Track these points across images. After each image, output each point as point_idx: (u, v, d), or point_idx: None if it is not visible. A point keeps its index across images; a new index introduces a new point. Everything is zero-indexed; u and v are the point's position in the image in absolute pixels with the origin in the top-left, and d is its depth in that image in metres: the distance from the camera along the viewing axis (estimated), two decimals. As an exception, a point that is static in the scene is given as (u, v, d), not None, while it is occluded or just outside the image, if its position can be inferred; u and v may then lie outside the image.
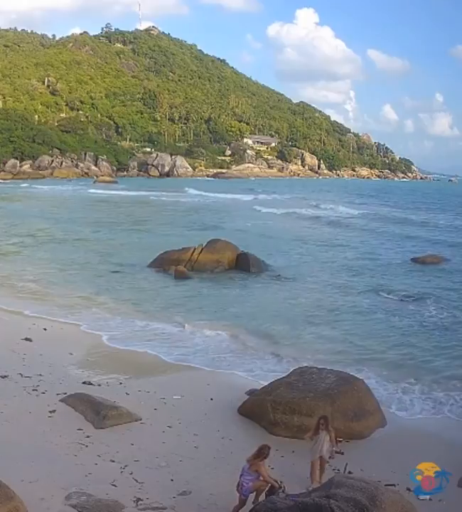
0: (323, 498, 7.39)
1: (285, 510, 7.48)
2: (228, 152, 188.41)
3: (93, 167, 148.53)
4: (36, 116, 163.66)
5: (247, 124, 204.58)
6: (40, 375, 14.93)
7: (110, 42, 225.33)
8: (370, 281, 29.76)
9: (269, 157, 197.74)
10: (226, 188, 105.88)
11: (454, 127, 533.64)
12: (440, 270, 33.15)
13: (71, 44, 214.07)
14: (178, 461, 10.91)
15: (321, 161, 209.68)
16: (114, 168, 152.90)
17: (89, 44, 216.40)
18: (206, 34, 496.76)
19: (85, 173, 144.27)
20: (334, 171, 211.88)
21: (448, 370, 17.06)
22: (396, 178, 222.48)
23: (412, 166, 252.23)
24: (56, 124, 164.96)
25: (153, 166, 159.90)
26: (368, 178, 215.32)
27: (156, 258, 32.02)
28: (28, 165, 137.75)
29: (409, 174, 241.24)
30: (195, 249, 32.08)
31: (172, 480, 10.11)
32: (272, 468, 10.11)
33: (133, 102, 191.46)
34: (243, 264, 31.42)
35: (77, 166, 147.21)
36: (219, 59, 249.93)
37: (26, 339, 18.04)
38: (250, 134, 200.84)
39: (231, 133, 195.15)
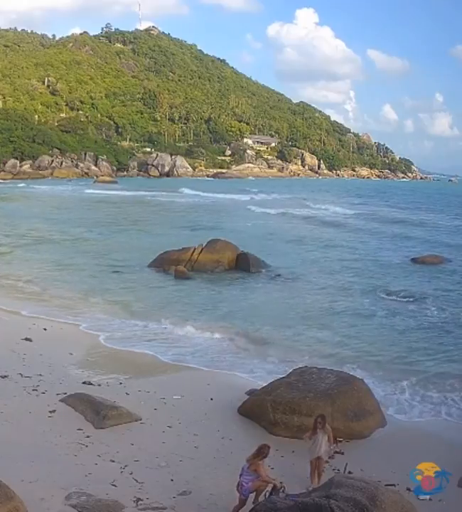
0: (323, 498, 7.39)
1: (285, 510, 7.49)
2: (228, 152, 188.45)
3: (93, 167, 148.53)
4: (36, 116, 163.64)
5: (247, 124, 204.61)
6: (40, 375, 14.93)
7: (110, 42, 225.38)
8: (370, 281, 29.72)
9: (269, 157, 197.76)
10: (225, 188, 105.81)
11: (454, 127, 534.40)
12: (440, 270, 33.12)
13: (71, 44, 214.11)
14: (178, 461, 10.92)
15: (321, 161, 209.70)
16: (114, 168, 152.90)
17: (89, 44, 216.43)
18: (206, 34, 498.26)
19: (85, 173, 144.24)
20: (334, 171, 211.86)
21: (448, 370, 17.03)
22: (396, 178, 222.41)
23: (412, 166, 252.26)
24: (56, 124, 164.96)
25: (153, 166, 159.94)
26: (368, 178, 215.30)
27: (156, 258, 32.03)
28: (28, 165, 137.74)
29: (409, 174, 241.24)
30: (195, 249, 32.08)
31: (172, 480, 10.11)
32: (272, 469, 10.13)
33: (133, 102, 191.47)
34: (243, 264, 31.41)
35: (77, 166, 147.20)
36: (219, 59, 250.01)
37: (26, 339, 18.05)
38: (250, 134, 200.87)
39: (231, 133, 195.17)
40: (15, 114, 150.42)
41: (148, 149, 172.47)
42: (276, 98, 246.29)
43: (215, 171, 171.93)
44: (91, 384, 14.71)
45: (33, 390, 13.76)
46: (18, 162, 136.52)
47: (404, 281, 30.01)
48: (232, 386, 15.15)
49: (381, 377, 16.14)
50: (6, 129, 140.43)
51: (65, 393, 13.49)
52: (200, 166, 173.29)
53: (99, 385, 14.72)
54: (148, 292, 26.45)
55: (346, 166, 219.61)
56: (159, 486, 9.81)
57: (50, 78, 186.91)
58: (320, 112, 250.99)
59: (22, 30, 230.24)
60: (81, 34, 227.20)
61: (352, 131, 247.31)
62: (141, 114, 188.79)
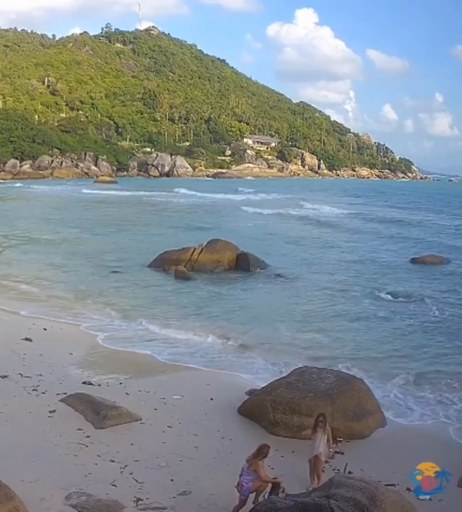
0: (323, 498, 7.39)
1: (285, 510, 7.48)
2: (228, 152, 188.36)
3: (93, 167, 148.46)
4: (36, 116, 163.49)
5: (247, 124, 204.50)
6: (40, 375, 14.93)
7: (110, 42, 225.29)
8: (369, 281, 29.72)
9: (269, 157, 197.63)
10: (225, 188, 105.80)
11: (454, 127, 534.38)
12: (440, 271, 33.12)
13: (71, 44, 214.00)
14: (178, 461, 10.92)
15: (321, 161, 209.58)
16: (114, 168, 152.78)
17: (89, 44, 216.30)
18: (206, 34, 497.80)
19: (85, 173, 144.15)
20: (334, 171, 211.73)
21: (448, 371, 17.02)
22: (396, 178, 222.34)
23: (412, 166, 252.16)
24: (56, 124, 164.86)
25: (153, 166, 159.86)
26: (368, 178, 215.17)
27: (155, 258, 32.03)
28: (28, 165, 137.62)
29: (409, 174, 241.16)
30: (195, 249, 32.08)
31: (172, 480, 10.11)
32: (272, 469, 10.12)
33: (133, 102, 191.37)
34: (243, 264, 31.42)
35: (77, 166, 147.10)
36: (219, 59, 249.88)
37: (26, 339, 18.05)
38: (250, 134, 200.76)
39: (231, 133, 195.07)
40: (15, 114, 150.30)
41: (148, 149, 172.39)
42: (276, 98, 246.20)
43: (214, 171, 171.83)
44: (91, 384, 14.71)
45: (33, 390, 13.76)
46: (18, 162, 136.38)
47: (403, 281, 30.00)
48: (232, 386, 15.15)
49: (380, 378, 16.11)
50: (6, 129, 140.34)
51: (65, 393, 13.49)
52: (200, 166, 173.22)
53: (99, 385, 14.72)
54: (148, 292, 26.43)
55: (346, 166, 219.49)
56: (159, 486, 9.81)
57: (50, 78, 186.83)
58: (320, 112, 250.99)
59: (22, 30, 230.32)
60: (81, 34, 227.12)
61: (352, 131, 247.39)
62: (141, 114, 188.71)
